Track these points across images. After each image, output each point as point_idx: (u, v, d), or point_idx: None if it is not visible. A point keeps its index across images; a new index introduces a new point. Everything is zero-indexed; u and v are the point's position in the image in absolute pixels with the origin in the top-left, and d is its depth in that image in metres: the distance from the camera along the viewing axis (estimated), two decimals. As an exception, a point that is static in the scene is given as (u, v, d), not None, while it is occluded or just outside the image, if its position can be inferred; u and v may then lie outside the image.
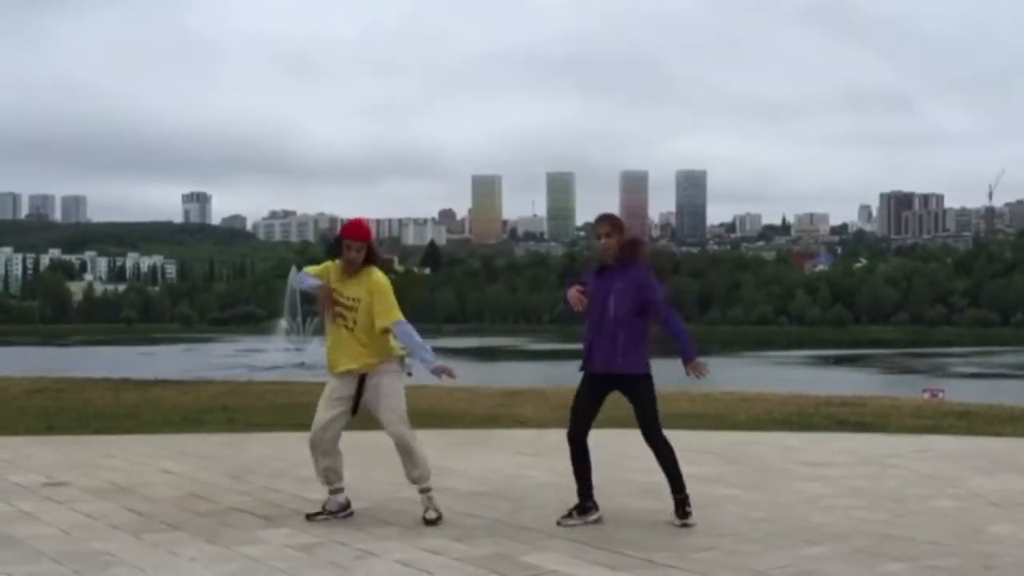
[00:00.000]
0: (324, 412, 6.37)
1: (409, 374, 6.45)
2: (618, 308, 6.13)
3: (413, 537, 5.89)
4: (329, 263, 6.45)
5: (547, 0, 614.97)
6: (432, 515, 6.29)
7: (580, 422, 6.36)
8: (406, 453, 6.33)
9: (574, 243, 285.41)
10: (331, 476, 6.40)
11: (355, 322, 6.25)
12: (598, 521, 6.25)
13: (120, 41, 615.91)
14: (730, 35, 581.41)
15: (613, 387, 6.31)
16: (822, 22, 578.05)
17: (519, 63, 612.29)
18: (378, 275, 6.29)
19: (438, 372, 6.22)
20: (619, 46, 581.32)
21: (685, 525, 6.13)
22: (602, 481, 7.99)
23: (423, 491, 6.37)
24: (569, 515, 6.26)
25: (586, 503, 6.31)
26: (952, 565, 5.35)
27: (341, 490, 6.44)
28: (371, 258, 6.28)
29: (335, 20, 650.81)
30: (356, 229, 6.30)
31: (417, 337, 6.23)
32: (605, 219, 6.30)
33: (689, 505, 6.20)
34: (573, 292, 6.28)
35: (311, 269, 6.62)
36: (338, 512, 6.38)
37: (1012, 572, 5.24)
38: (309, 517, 6.34)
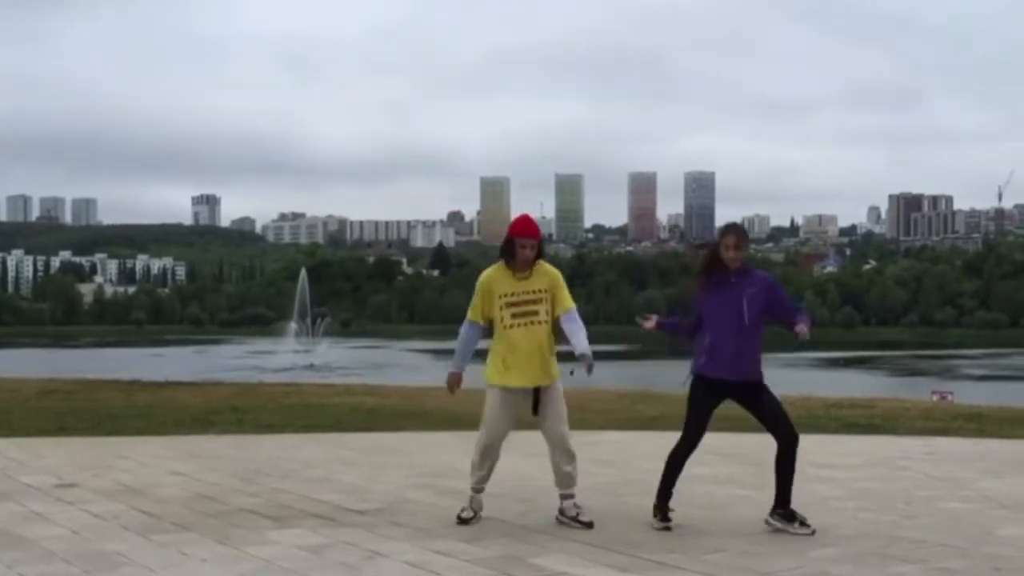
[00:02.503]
0: (502, 424, 6.38)
1: (571, 372, 6.41)
2: (751, 313, 6.13)
3: (423, 538, 5.90)
4: (484, 275, 6.35)
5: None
6: (586, 518, 6.31)
7: (698, 434, 6.29)
8: (566, 453, 6.36)
9: (582, 245, 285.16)
10: (486, 481, 6.47)
11: (547, 313, 6.26)
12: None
13: (126, 42, 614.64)
14: (734, 33, 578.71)
15: (730, 394, 6.25)
16: (827, 18, 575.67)
17: (523, 63, 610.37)
18: (550, 265, 6.38)
19: (586, 362, 6.17)
20: (623, 45, 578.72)
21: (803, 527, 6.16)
22: (612, 482, 8.01)
23: (568, 497, 6.40)
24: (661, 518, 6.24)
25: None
26: (961, 567, 5.33)
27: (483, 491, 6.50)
28: (540, 254, 6.31)
29: (337, 20, 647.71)
30: (528, 226, 6.28)
31: (582, 324, 6.33)
32: (736, 230, 6.27)
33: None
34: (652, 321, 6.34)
35: (475, 312, 6.36)
36: (480, 512, 6.44)
37: (1021, 575, 5.23)
38: (462, 521, 6.32)
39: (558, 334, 6.32)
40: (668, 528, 6.13)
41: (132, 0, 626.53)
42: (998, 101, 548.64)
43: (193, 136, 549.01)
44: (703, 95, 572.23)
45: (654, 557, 5.45)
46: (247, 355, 75.57)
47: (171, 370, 36.99)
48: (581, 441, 10.86)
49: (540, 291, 6.26)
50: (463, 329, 6.40)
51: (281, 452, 9.75)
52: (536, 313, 6.24)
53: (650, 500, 6.42)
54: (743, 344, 6.14)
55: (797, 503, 6.30)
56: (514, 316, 6.23)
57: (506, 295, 6.24)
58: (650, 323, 6.42)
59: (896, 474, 8.71)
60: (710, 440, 9.42)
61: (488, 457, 6.41)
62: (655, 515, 6.24)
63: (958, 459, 9.78)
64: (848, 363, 74.81)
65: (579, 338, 6.22)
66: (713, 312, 6.17)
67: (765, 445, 10.53)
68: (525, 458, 9.57)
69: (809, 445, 10.86)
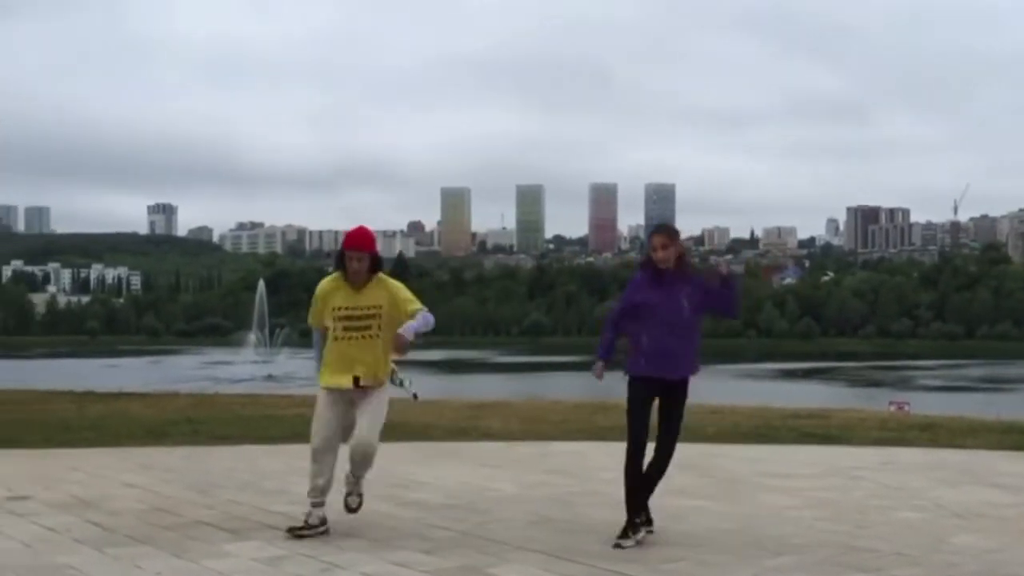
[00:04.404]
0: (328, 424, 6.23)
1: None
2: (691, 313, 6.17)
3: (380, 549, 5.87)
4: (321, 286, 6.34)
5: (493, 5, 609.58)
6: (354, 501, 6.44)
7: (644, 433, 6.17)
8: (365, 461, 6.32)
9: (543, 255, 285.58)
10: (326, 489, 6.32)
11: (380, 327, 6.23)
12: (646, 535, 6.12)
13: (62, 46, 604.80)
14: (684, 43, 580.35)
15: (662, 390, 6.21)
16: (779, 29, 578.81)
17: (466, 70, 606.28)
18: (389, 279, 6.35)
19: (399, 340, 6.11)
20: (563, 54, 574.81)
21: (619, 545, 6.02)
22: (569, 492, 8.02)
23: (358, 479, 6.43)
24: (624, 535, 6.04)
25: (636, 519, 6.12)
26: (914, 575, 5.39)
27: (324, 504, 6.33)
28: (375, 267, 6.26)
29: (273, 25, 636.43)
30: (358, 239, 6.25)
31: (431, 322, 6.26)
32: (663, 230, 6.34)
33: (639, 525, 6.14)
34: (599, 369, 6.19)
35: (313, 319, 6.40)
36: (319, 527, 6.26)
37: (974, 582, 5.30)
38: (292, 532, 6.21)
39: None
40: (638, 543, 5.98)
41: (66, 3, 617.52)
42: (951, 115, 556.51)
43: (146, 143, 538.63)
44: (658, 106, 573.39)
45: (612, 567, 5.46)
46: (204, 366, 74.82)
47: (125, 381, 36.51)
48: (535, 452, 10.91)
49: (374, 307, 6.23)
50: (314, 335, 6.47)
51: (237, 464, 9.67)
52: (369, 328, 6.24)
53: (612, 512, 6.41)
54: (683, 343, 6.15)
55: (754, 513, 6.34)
56: (346, 329, 6.23)
57: (339, 308, 6.23)
58: (599, 370, 6.25)
59: (851, 484, 8.79)
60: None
61: (319, 461, 6.23)
62: (625, 534, 6.02)
63: (912, 469, 9.89)
64: (806, 374, 75.48)
65: (410, 325, 6.16)
66: (651, 312, 6.15)
67: (719, 456, 10.61)
68: (479, 469, 9.58)
69: (766, 455, 10.96)
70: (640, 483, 6.15)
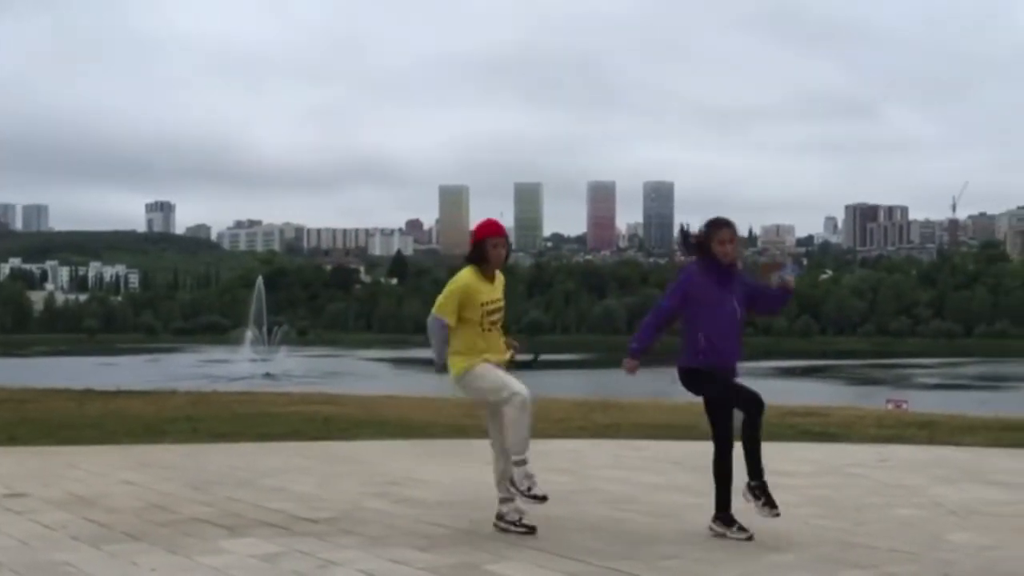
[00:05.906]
0: (506, 376, 6.33)
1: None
2: (742, 310, 6.30)
3: (377, 547, 5.87)
4: (465, 281, 6.24)
5: (492, 4, 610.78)
6: (539, 492, 6.28)
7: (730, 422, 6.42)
8: (525, 411, 6.37)
9: (541, 253, 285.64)
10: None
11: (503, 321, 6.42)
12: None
13: (57, 43, 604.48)
14: (681, 40, 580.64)
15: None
16: (775, 26, 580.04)
17: (461, 69, 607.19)
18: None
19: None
20: (560, 52, 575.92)
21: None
22: (568, 490, 8.02)
23: (518, 463, 6.37)
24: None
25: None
26: (911, 572, 5.40)
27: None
28: (507, 254, 6.40)
29: (283, 22, 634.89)
30: (498, 226, 6.35)
31: None
32: (730, 224, 6.34)
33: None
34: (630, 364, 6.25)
35: (447, 308, 6.24)
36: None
37: (971, 579, 5.30)
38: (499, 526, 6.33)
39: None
40: (751, 537, 6.12)
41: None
42: (950, 112, 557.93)
43: (144, 141, 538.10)
44: (654, 103, 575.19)
45: (610, 564, 5.46)
46: (202, 364, 74.76)
47: (124, 379, 36.48)
48: (534, 450, 10.87)
49: (502, 299, 6.40)
50: (439, 326, 6.26)
51: (235, 461, 9.67)
52: (497, 322, 6.38)
53: (609, 509, 6.42)
54: (737, 338, 6.29)
55: (751, 510, 6.33)
56: (492, 323, 6.33)
57: (486, 303, 6.28)
58: (633, 365, 6.29)
59: (849, 481, 8.79)
60: (664, 449, 9.51)
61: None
62: (731, 526, 6.25)
63: (910, 466, 9.89)
64: (804, 372, 75.43)
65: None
66: (710, 310, 6.17)
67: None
68: (478, 466, 9.55)
69: (764, 452, 10.94)
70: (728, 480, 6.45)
